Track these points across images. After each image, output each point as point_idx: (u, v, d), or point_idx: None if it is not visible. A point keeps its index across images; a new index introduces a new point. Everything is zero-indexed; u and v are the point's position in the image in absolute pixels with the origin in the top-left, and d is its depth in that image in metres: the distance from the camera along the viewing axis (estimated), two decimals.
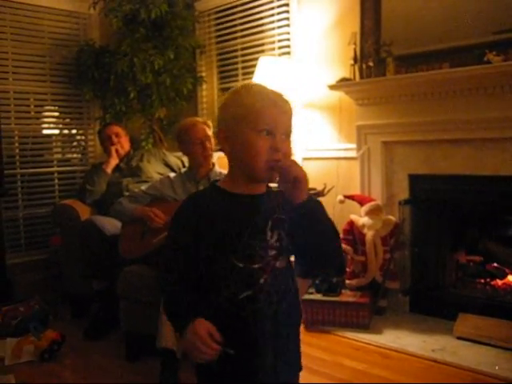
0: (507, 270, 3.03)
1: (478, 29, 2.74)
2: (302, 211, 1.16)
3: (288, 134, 1.22)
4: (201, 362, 1.14)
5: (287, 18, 3.65)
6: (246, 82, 1.36)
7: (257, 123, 1.18)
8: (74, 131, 4.32)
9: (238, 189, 1.23)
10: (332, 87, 3.21)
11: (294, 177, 1.13)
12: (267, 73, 3.31)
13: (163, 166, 3.48)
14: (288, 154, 1.21)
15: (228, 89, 3.53)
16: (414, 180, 3.11)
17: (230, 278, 1.17)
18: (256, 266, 1.18)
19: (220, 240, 1.18)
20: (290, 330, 1.28)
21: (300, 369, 1.33)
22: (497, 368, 2.34)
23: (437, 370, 2.41)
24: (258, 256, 1.19)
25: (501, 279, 3.01)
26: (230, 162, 1.26)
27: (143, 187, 2.90)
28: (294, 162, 1.18)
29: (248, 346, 1.19)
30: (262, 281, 1.19)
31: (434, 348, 2.60)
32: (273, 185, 1.27)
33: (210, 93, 4.28)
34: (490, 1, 2.72)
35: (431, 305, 3.03)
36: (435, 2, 2.90)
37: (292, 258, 1.27)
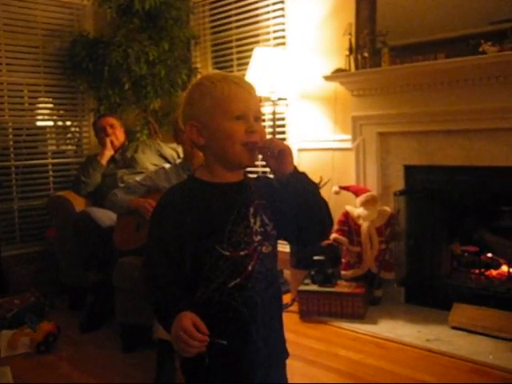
0: (501, 260, 3.04)
1: (474, 19, 2.74)
2: (291, 183, 1.17)
3: (259, 116, 1.23)
4: (189, 356, 1.09)
5: (282, 9, 3.63)
6: (205, 73, 1.35)
7: (228, 110, 1.17)
8: (68, 123, 4.29)
9: (216, 178, 1.22)
10: (327, 78, 3.21)
11: (278, 150, 1.16)
12: (262, 63, 3.30)
13: (158, 158, 3.47)
14: (263, 135, 1.22)
15: None
16: (410, 171, 3.11)
17: (218, 268, 1.16)
18: (242, 253, 1.18)
19: (204, 231, 1.17)
20: (277, 316, 1.28)
21: (287, 356, 1.32)
22: (491, 357, 2.36)
23: (432, 359, 2.43)
24: (244, 243, 1.18)
25: (495, 269, 3.03)
26: (205, 153, 1.24)
27: (138, 178, 2.89)
28: (274, 138, 1.19)
29: (241, 335, 1.18)
30: (249, 267, 1.18)
31: (428, 338, 2.61)
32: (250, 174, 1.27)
33: None
34: None
35: (426, 295, 3.05)
36: None
37: (283, 248, 1.26)
